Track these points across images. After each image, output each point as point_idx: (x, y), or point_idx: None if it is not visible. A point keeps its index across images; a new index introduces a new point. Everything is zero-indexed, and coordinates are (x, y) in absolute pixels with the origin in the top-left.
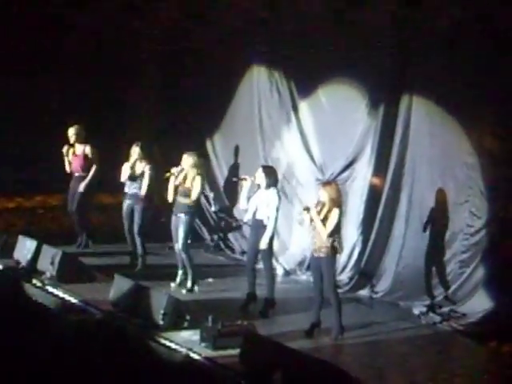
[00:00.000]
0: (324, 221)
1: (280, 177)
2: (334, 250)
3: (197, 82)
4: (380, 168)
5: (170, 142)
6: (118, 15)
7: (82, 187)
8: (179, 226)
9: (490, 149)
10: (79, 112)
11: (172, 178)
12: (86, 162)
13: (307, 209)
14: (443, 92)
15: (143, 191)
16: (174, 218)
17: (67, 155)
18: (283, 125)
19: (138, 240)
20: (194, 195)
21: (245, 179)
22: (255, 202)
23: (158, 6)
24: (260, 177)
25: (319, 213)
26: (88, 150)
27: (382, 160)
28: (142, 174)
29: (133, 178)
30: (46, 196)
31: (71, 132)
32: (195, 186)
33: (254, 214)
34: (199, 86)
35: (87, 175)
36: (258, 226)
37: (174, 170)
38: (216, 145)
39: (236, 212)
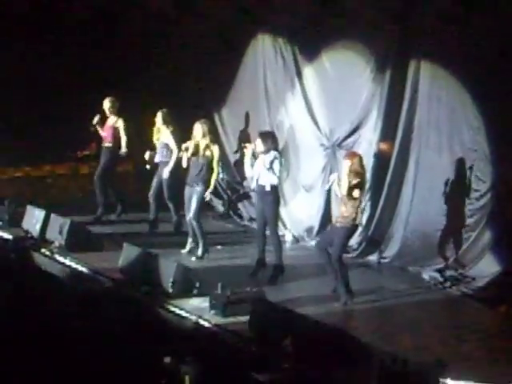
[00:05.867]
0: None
1: (285, 142)
2: (354, 223)
3: (202, 51)
4: (387, 133)
5: (178, 111)
6: None
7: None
8: (193, 195)
9: (495, 111)
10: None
11: (184, 151)
12: (116, 134)
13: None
14: (449, 55)
15: (172, 161)
16: (187, 188)
17: (99, 125)
18: (288, 91)
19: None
20: (215, 166)
21: (245, 147)
22: (258, 168)
23: None
24: (258, 143)
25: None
26: (120, 122)
27: (388, 125)
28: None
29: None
30: (55, 165)
31: (106, 104)
32: (214, 155)
33: (258, 179)
34: (205, 56)
35: (116, 146)
36: (262, 192)
37: (188, 143)
38: (222, 112)
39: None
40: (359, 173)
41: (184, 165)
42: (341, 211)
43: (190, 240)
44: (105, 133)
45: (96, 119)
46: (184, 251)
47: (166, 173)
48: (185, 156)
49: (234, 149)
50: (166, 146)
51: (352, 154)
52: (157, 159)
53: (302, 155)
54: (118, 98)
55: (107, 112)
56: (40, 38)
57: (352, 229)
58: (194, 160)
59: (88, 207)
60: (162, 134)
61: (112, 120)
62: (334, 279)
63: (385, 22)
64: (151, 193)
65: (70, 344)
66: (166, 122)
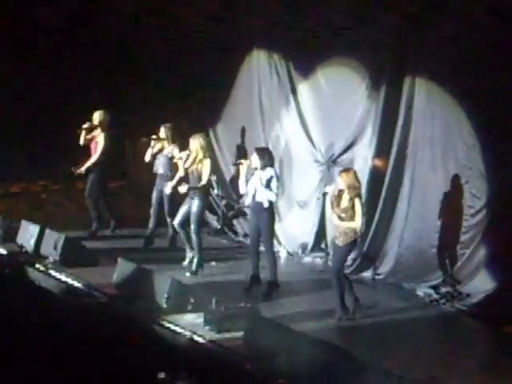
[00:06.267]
0: (345, 209)
1: (280, 159)
2: (356, 236)
3: (197, 68)
4: (381, 149)
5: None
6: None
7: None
8: (192, 209)
9: (490, 129)
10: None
11: (180, 163)
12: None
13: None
14: (443, 72)
15: (177, 176)
16: (187, 198)
17: (86, 132)
18: (283, 107)
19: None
20: (204, 178)
21: (241, 163)
22: (253, 185)
23: None
24: (255, 159)
25: (339, 202)
26: (101, 137)
27: (383, 141)
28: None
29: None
30: (49, 180)
31: (95, 116)
32: (204, 168)
33: (254, 196)
34: (200, 72)
35: (103, 161)
36: (259, 209)
37: (182, 154)
38: (217, 128)
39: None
40: (356, 187)
41: (181, 173)
42: (342, 228)
43: (187, 250)
44: (92, 146)
45: (85, 125)
46: (185, 263)
47: (168, 188)
48: (181, 164)
49: (229, 165)
50: (170, 160)
51: (346, 171)
52: (160, 171)
53: (297, 171)
54: (113, 113)
55: (95, 123)
56: (37, 55)
57: (352, 244)
58: (190, 174)
59: (82, 222)
60: (167, 149)
61: (98, 134)
62: (353, 299)
63: (380, 39)
64: (152, 209)
65: (63, 359)
66: (169, 136)
